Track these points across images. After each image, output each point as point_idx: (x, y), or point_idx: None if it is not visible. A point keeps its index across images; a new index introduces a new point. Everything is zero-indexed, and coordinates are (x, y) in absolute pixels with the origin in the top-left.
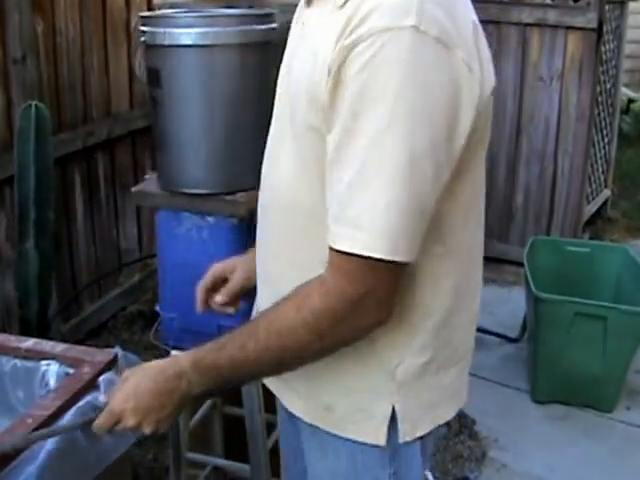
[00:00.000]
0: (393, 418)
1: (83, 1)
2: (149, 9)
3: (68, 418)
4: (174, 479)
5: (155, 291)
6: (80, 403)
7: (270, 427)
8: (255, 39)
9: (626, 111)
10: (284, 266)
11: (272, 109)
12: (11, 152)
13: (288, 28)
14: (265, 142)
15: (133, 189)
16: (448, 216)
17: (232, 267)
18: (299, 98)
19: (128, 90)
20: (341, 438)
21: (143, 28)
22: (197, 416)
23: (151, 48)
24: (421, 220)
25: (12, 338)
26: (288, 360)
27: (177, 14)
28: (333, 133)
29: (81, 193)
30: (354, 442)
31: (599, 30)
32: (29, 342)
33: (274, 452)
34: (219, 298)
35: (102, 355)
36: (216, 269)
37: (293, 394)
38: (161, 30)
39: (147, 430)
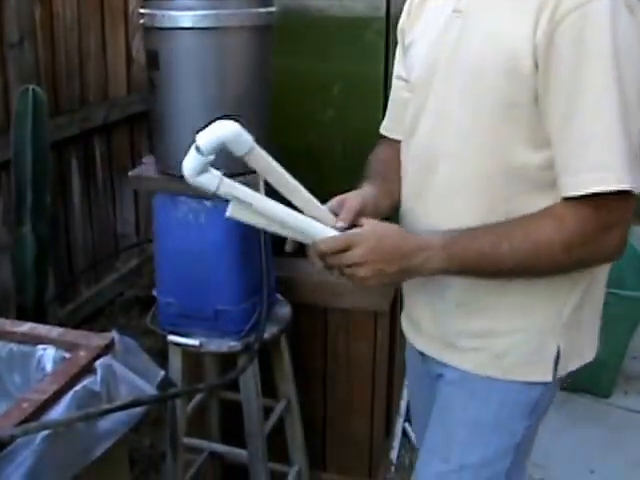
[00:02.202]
0: (557, 357)
1: None
2: None
3: (65, 403)
4: (171, 464)
5: (152, 276)
6: (76, 387)
7: (267, 412)
8: (254, 22)
9: None
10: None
11: (269, 92)
12: (7, 136)
13: (286, 12)
14: (264, 128)
15: (130, 173)
16: None
17: (340, 200)
18: (485, 76)
19: (126, 74)
20: (506, 383)
21: (142, 10)
22: (194, 401)
23: (150, 30)
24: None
25: (8, 322)
26: (530, 268)
27: None
28: (552, 101)
29: (78, 178)
30: (519, 383)
31: None
32: (25, 327)
33: (271, 437)
34: (340, 224)
35: (99, 339)
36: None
37: (459, 352)
38: (160, 12)
39: (359, 273)
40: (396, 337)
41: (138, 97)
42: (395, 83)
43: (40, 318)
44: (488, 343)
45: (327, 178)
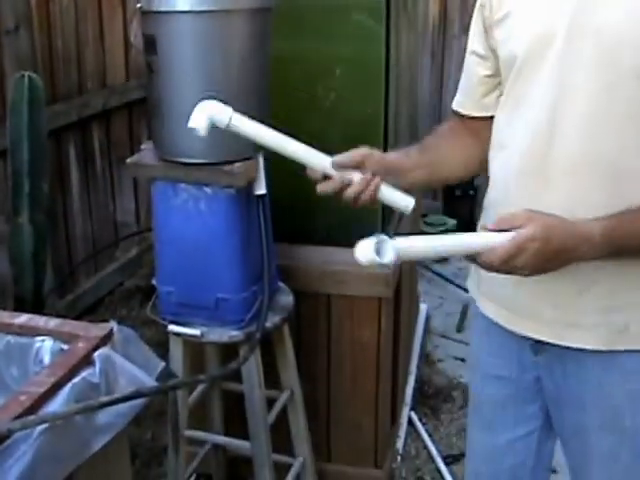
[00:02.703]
0: None
1: None
2: None
3: (63, 395)
4: (172, 457)
5: (153, 265)
6: (75, 380)
7: (270, 402)
8: (253, 5)
9: None
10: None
11: (268, 75)
12: (4, 124)
13: None
14: (261, 112)
15: (128, 160)
16: None
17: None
18: (621, 49)
19: (124, 61)
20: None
21: None
22: (196, 393)
23: (147, 14)
24: None
25: (5, 314)
26: None
27: None
28: None
29: (76, 166)
30: None
31: None
32: (22, 318)
33: (275, 428)
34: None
35: (97, 330)
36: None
37: (582, 331)
38: None
39: (524, 273)
40: (400, 324)
41: (137, 83)
42: (470, 59)
43: (39, 309)
44: (610, 318)
45: None
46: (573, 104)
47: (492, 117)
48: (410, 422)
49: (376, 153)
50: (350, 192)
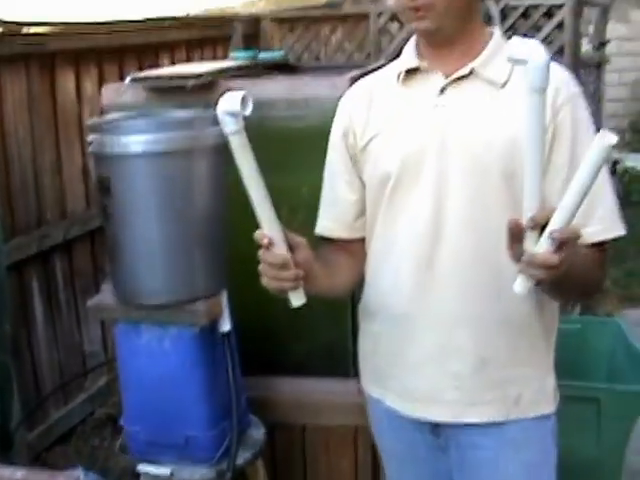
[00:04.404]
0: (554, 390)
1: (32, 99)
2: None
3: None
4: None
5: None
6: None
7: None
8: (207, 143)
9: (612, 173)
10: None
11: (222, 213)
12: None
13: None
14: (222, 248)
15: (89, 303)
16: None
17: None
18: (495, 158)
19: (83, 188)
20: (531, 421)
21: (90, 137)
22: None
23: (100, 156)
24: None
25: None
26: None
27: (125, 120)
28: (561, 165)
29: (40, 298)
30: (542, 418)
31: None
32: None
33: None
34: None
35: (64, 479)
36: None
37: (481, 407)
38: (109, 138)
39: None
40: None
41: (98, 211)
42: (335, 186)
43: (6, 449)
44: (505, 391)
45: None
46: (452, 210)
47: (363, 238)
48: None
49: (309, 253)
50: (288, 274)
